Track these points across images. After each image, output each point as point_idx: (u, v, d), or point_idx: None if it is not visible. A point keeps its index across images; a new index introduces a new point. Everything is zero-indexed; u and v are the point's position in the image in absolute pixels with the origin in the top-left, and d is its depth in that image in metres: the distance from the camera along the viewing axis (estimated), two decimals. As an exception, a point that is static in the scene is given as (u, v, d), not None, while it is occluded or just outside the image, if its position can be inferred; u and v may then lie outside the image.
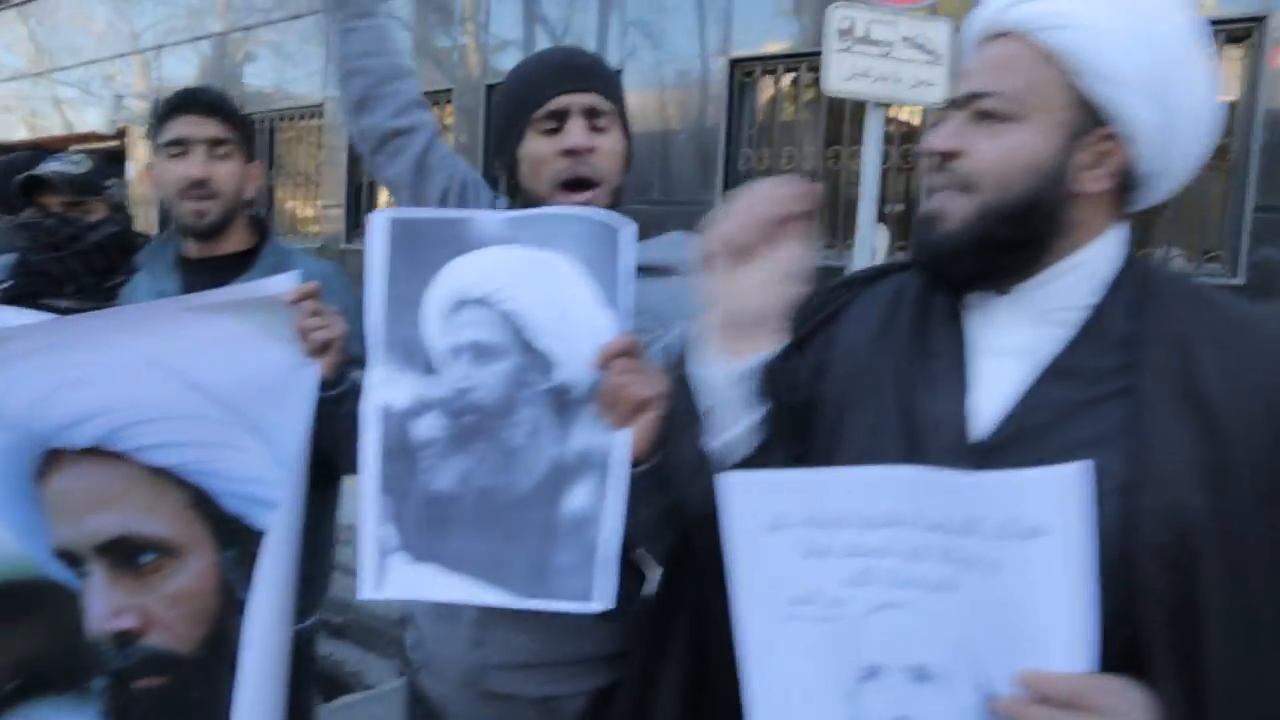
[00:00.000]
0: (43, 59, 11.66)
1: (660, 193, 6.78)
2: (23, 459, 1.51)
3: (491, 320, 1.09)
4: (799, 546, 0.84)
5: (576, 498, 1.06)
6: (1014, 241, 0.91)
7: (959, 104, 0.94)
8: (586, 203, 1.19)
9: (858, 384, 0.98)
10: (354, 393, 1.22)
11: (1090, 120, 0.89)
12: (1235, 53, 5.33)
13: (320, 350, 1.29)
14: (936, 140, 0.93)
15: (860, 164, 4.12)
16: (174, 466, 1.46)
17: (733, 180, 6.46)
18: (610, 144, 1.25)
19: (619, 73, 1.26)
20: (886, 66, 3.93)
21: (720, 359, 0.95)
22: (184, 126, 1.62)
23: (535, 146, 1.25)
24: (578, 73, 1.25)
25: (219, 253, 1.69)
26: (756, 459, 0.95)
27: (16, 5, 11.81)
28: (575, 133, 1.22)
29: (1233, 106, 5.33)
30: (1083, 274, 0.93)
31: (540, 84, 1.25)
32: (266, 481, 1.38)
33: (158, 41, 10.36)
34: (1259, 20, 5.15)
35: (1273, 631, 0.81)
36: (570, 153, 1.22)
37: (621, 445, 1.05)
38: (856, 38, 3.87)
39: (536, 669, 1.24)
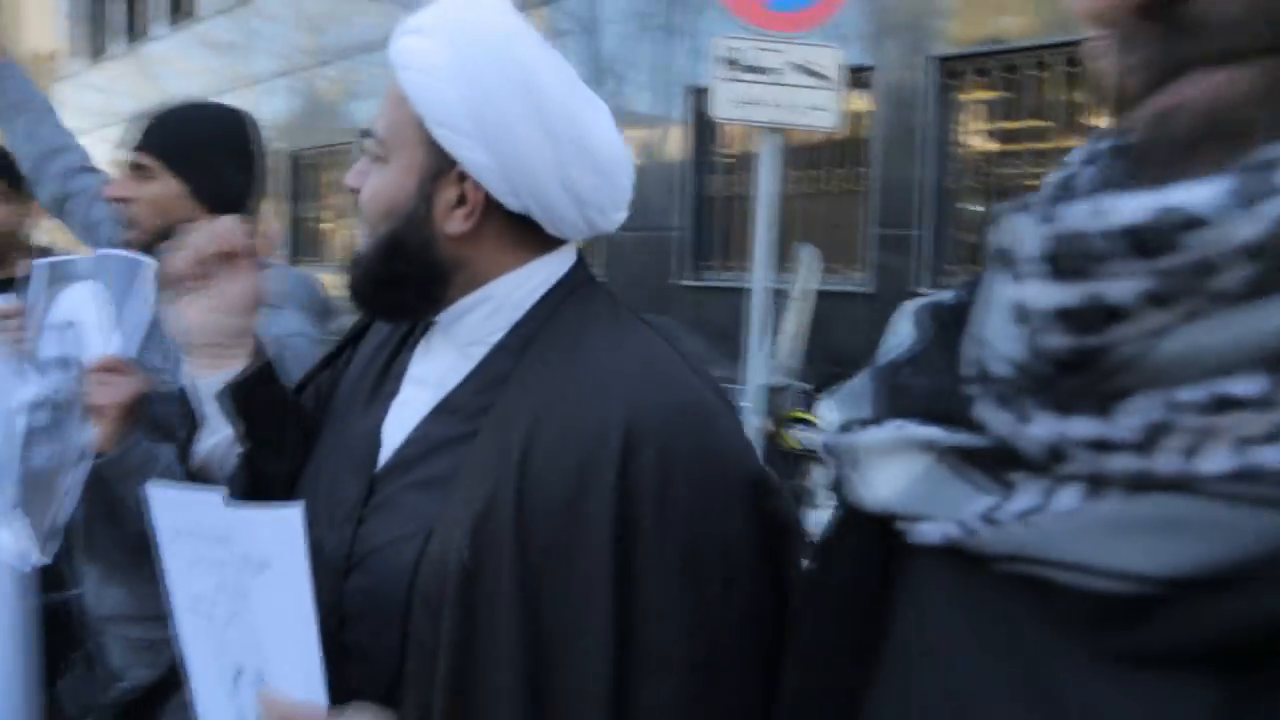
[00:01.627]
0: (149, 103, 12.76)
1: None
2: None
3: (70, 338, 1.42)
4: (189, 553, 0.93)
5: (73, 478, 1.37)
6: (396, 279, 0.92)
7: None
8: (127, 243, 1.50)
9: (338, 401, 1.05)
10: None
11: (444, 161, 0.88)
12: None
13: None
14: (349, 177, 0.97)
15: (756, 189, 4.36)
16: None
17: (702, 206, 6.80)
18: (145, 193, 1.52)
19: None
20: (776, 93, 4.17)
21: (195, 375, 1.02)
22: None
23: None
24: (137, 135, 1.56)
25: (3, 278, 2.09)
26: (248, 468, 1.02)
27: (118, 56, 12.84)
28: (112, 184, 1.55)
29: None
30: (488, 310, 0.92)
31: None
32: None
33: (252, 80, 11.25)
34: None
35: (498, 684, 0.79)
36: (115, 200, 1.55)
37: (89, 437, 1.33)
38: (743, 66, 4.14)
39: (138, 621, 1.50)
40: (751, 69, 4.16)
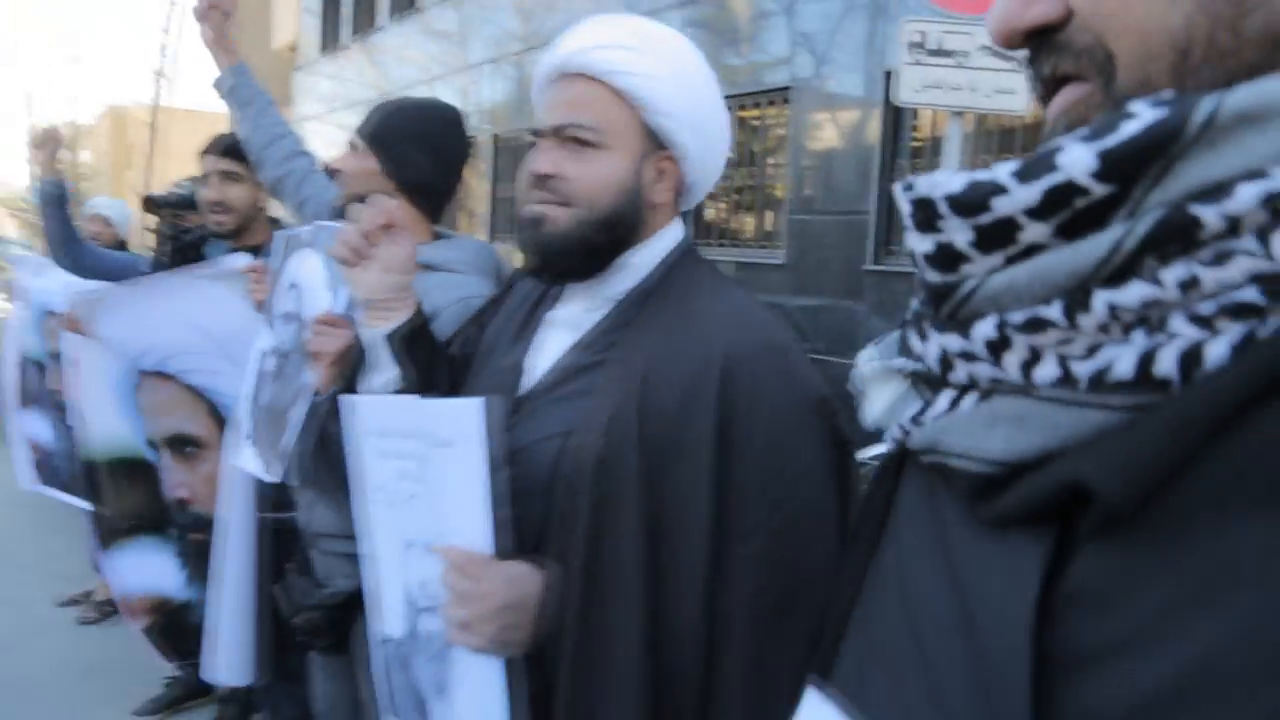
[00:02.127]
0: (374, 89, 13.26)
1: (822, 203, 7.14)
2: (127, 377, 2.33)
3: (295, 298, 1.67)
4: (375, 449, 1.12)
5: (297, 410, 1.62)
6: (605, 245, 1.13)
7: (548, 134, 1.13)
8: (335, 206, 1.78)
9: (485, 345, 1.29)
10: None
11: (654, 145, 1.13)
12: None
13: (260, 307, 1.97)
14: (537, 165, 1.13)
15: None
16: (197, 385, 2.22)
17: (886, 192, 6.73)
18: (350, 166, 1.77)
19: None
20: (962, 76, 4.12)
21: (367, 325, 1.27)
22: (205, 164, 2.39)
23: None
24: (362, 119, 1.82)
25: (247, 245, 2.44)
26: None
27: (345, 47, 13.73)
28: (337, 158, 1.82)
29: None
30: (633, 268, 1.15)
31: None
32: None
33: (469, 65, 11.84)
34: None
35: (624, 544, 1.00)
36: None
37: (310, 379, 1.52)
38: (928, 50, 4.11)
39: (341, 538, 1.70)
40: (937, 52, 4.12)
